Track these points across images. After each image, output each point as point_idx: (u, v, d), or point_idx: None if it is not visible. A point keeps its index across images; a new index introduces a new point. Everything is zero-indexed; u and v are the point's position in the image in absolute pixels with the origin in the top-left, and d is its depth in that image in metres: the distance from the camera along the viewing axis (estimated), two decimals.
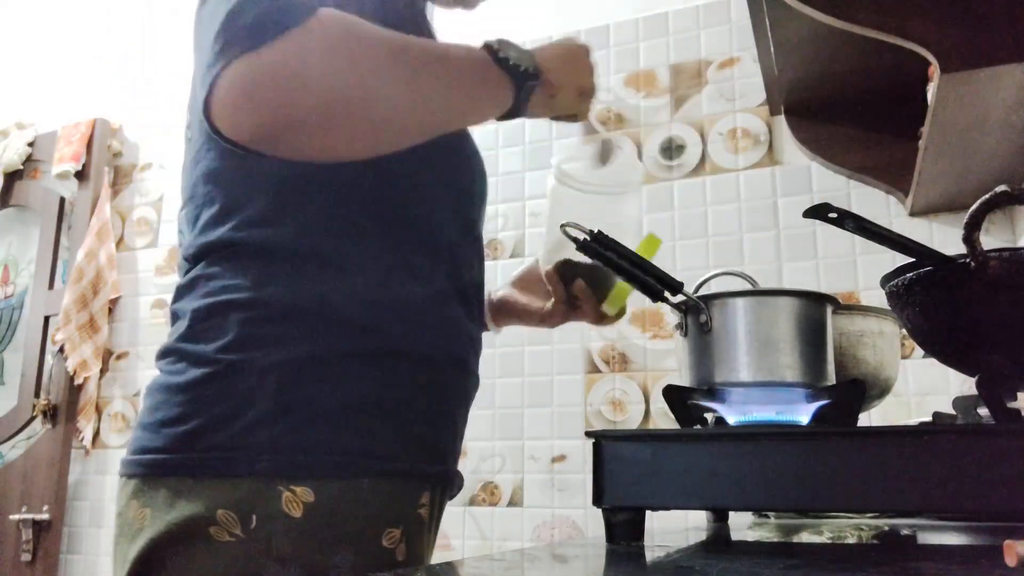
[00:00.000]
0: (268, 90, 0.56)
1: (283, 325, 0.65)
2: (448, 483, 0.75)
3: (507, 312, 0.99)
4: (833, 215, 0.64)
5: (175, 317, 0.71)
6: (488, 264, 2.23)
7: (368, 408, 0.65)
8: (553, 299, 0.89)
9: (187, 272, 0.71)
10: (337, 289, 0.67)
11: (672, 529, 0.83)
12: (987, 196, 0.60)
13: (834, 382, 0.70)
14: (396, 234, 0.71)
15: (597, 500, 0.61)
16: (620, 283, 0.86)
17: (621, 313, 0.90)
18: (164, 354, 0.69)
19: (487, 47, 0.69)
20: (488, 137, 2.12)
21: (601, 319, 0.90)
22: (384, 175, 0.70)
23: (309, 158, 0.64)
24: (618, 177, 0.90)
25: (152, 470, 0.64)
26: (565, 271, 0.89)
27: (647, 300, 0.72)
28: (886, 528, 0.84)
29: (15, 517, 2.36)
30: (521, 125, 2.13)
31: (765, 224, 1.85)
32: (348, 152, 0.64)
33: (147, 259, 2.51)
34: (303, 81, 0.57)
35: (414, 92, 0.62)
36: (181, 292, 0.71)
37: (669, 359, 1.86)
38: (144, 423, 0.67)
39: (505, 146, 2.11)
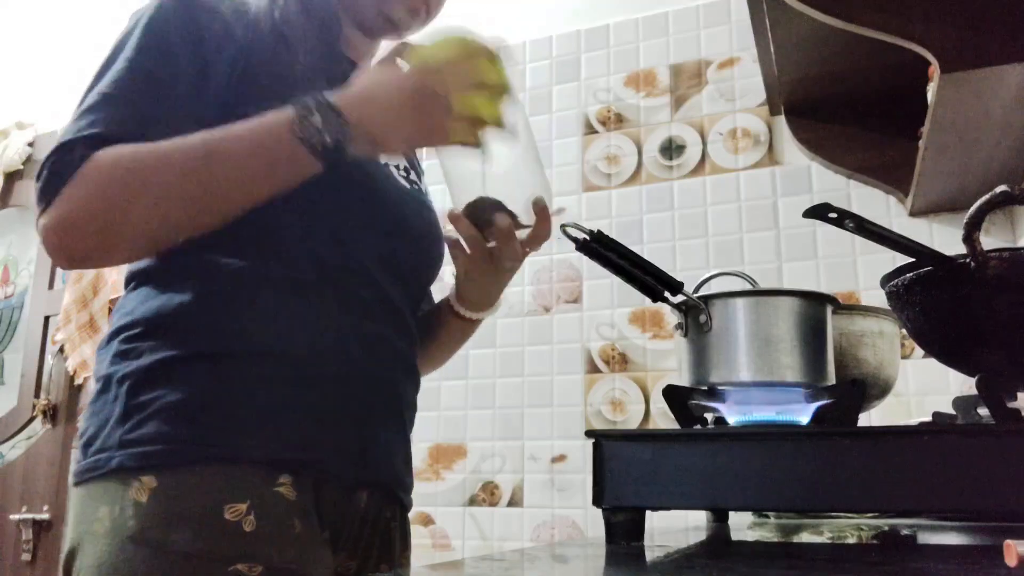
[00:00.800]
0: (62, 239, 0.70)
1: (144, 340, 0.74)
2: (342, 477, 0.77)
3: (460, 289, 0.95)
4: (833, 215, 0.64)
5: None
6: None
7: (207, 404, 0.72)
8: (468, 243, 0.86)
9: None
10: (191, 301, 0.75)
11: (672, 529, 0.83)
12: (987, 196, 0.60)
13: (834, 382, 0.70)
14: (256, 248, 0.77)
15: (597, 500, 0.61)
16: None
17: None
18: None
19: (292, 119, 0.71)
20: None
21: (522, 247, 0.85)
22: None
23: (122, 263, 0.77)
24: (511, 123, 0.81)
25: (74, 480, 0.75)
26: (473, 214, 0.83)
27: (647, 300, 0.72)
28: (886, 528, 0.84)
29: (15, 517, 2.36)
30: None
31: (765, 224, 1.85)
32: (153, 251, 0.77)
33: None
34: (84, 221, 0.70)
35: (193, 192, 0.71)
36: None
37: (669, 359, 1.86)
38: None
39: None
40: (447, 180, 0.85)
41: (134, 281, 0.80)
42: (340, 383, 0.78)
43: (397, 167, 0.91)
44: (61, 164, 0.70)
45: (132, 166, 0.70)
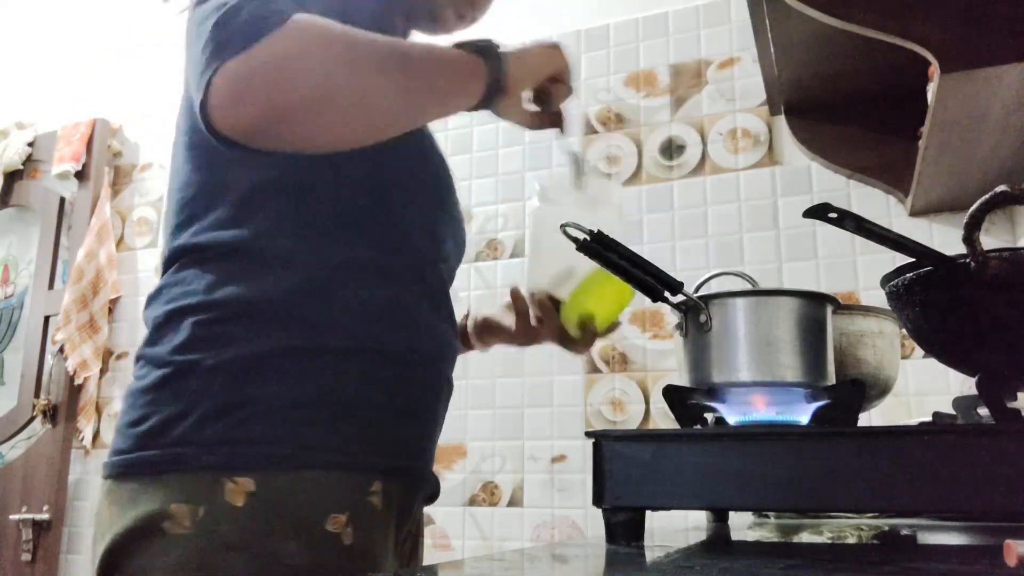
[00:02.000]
0: (257, 87, 0.61)
1: (233, 325, 0.68)
2: (411, 478, 0.76)
3: (490, 330, 0.99)
4: (833, 215, 0.64)
5: (146, 325, 0.74)
6: (488, 264, 2.22)
7: (313, 403, 0.67)
8: (524, 319, 0.90)
9: (162, 277, 0.75)
10: (289, 288, 0.69)
11: (672, 529, 0.83)
12: (987, 196, 0.60)
13: (834, 382, 0.70)
14: (356, 234, 0.74)
15: (597, 500, 0.61)
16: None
17: (591, 331, 0.88)
18: (135, 361, 0.73)
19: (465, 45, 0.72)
20: (488, 137, 2.13)
21: (565, 340, 0.91)
22: (344, 178, 0.73)
23: (301, 149, 0.67)
24: (595, 193, 0.91)
25: (119, 470, 0.67)
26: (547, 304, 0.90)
27: (647, 300, 0.72)
28: (886, 528, 0.84)
29: (15, 517, 2.36)
30: None
31: (765, 224, 1.85)
32: (337, 141, 0.67)
33: (147, 259, 2.51)
34: (286, 77, 0.61)
35: (390, 83, 0.66)
36: (149, 300, 0.75)
37: (669, 359, 1.86)
38: (117, 426, 0.71)
39: (505, 146, 2.11)
40: (536, 256, 0.90)
41: (189, 257, 0.72)
42: (423, 384, 0.77)
43: None
44: (264, 10, 0.62)
45: (339, 38, 0.64)
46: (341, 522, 0.66)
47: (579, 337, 0.88)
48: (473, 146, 2.14)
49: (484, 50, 0.73)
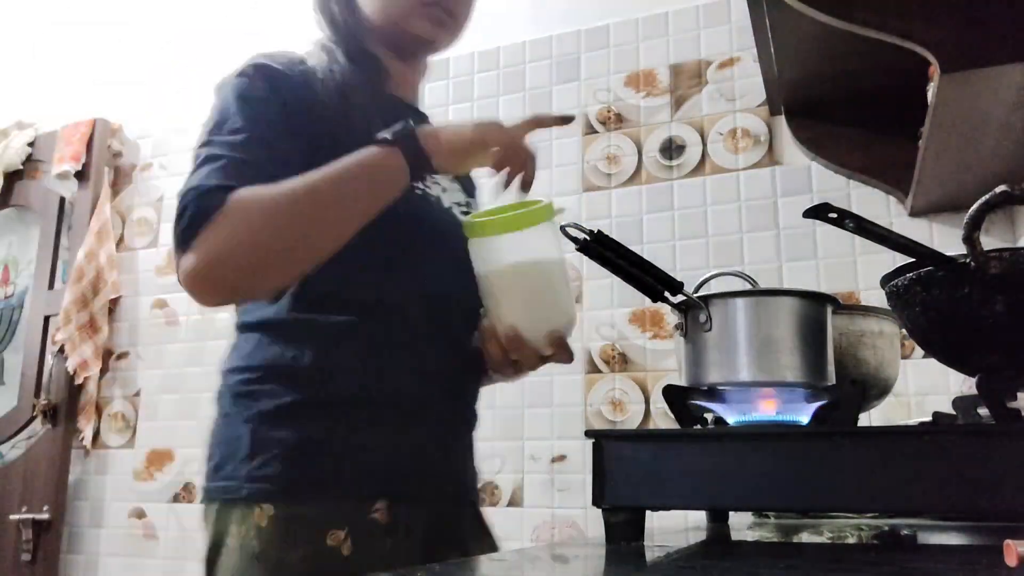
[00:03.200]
0: (208, 275, 0.80)
1: (261, 384, 0.87)
2: (403, 491, 0.87)
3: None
4: (833, 215, 0.64)
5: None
6: None
7: (317, 445, 0.85)
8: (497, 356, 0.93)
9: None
10: (305, 353, 0.87)
11: (672, 529, 0.83)
12: (987, 196, 0.60)
13: (834, 382, 0.70)
14: (361, 309, 0.89)
15: (597, 500, 0.61)
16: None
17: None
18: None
19: (386, 141, 0.84)
20: None
21: (546, 359, 0.92)
22: (343, 266, 0.86)
23: (262, 299, 0.89)
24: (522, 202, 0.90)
25: (204, 496, 0.89)
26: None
27: (647, 300, 0.72)
28: (886, 528, 0.84)
29: (15, 517, 2.36)
30: None
31: (765, 224, 1.85)
32: (292, 280, 0.86)
33: (147, 259, 2.52)
34: (226, 259, 0.79)
35: (313, 224, 0.82)
36: (225, 359, 0.95)
37: (669, 359, 1.86)
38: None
39: None
40: (490, 298, 0.90)
41: (247, 329, 0.92)
42: (427, 420, 0.91)
43: (458, 203, 1.01)
44: (203, 201, 0.79)
45: (266, 207, 0.80)
46: (340, 537, 0.82)
47: (552, 350, 0.89)
48: None
49: (399, 136, 0.84)
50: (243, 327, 0.94)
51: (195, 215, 0.79)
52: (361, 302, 0.90)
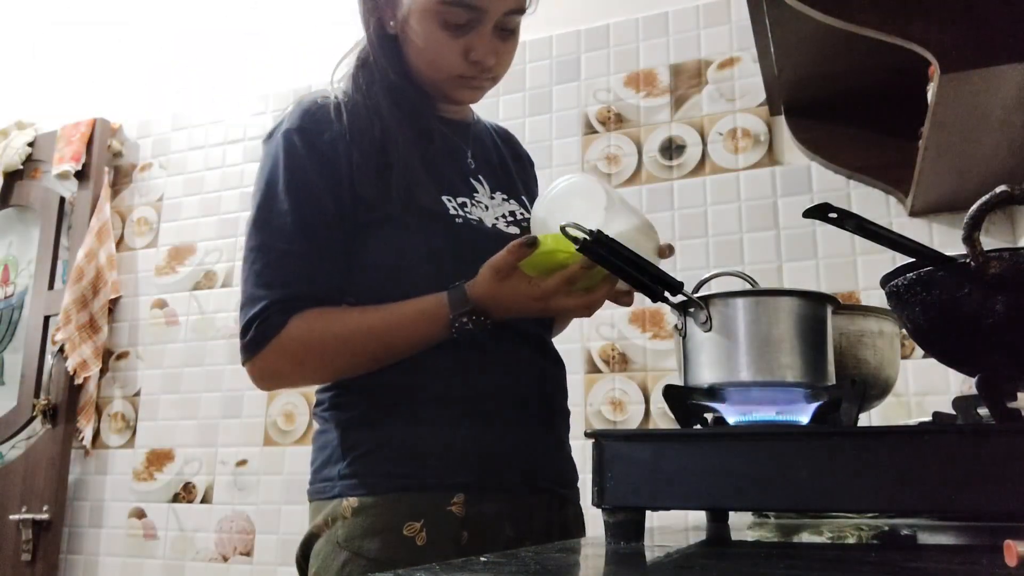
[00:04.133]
0: (265, 383, 0.98)
1: (348, 396, 0.97)
2: (483, 485, 0.93)
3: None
4: (833, 215, 0.64)
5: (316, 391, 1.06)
6: None
7: (396, 445, 0.93)
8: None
9: None
10: (378, 370, 0.95)
11: (672, 529, 0.83)
12: (987, 196, 0.60)
13: (834, 382, 0.70)
14: None
15: (597, 500, 0.61)
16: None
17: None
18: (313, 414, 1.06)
19: (449, 318, 0.91)
20: None
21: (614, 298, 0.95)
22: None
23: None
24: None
25: (309, 496, 0.99)
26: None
27: (647, 300, 0.72)
28: (886, 528, 0.84)
29: (15, 517, 2.36)
30: (521, 125, 2.13)
31: (765, 224, 1.85)
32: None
33: (147, 259, 2.52)
34: (283, 376, 0.96)
35: (364, 362, 0.94)
36: None
37: (669, 359, 1.86)
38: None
39: None
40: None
41: None
42: (502, 415, 0.97)
43: (505, 216, 1.06)
44: (264, 327, 0.92)
45: (319, 346, 0.92)
46: (415, 528, 0.89)
47: (598, 289, 0.91)
48: None
49: (453, 301, 0.91)
50: None
51: (256, 340, 0.92)
52: None
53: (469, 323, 0.90)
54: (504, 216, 1.05)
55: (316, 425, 1.02)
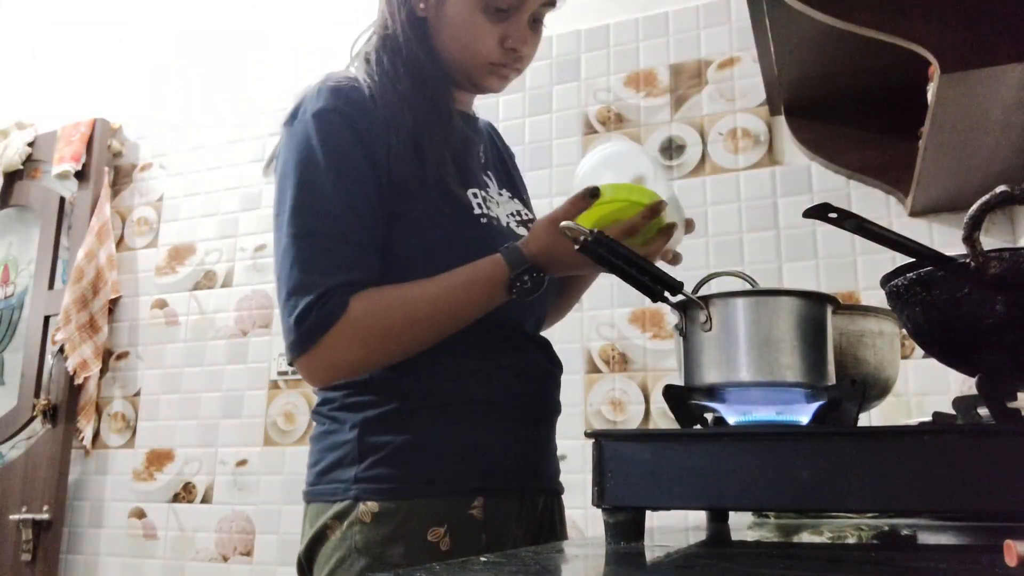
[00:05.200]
0: (326, 376, 0.91)
1: (365, 396, 0.93)
2: (499, 488, 0.93)
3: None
4: (833, 215, 0.64)
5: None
6: None
7: (419, 448, 0.91)
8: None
9: None
10: (400, 367, 0.92)
11: (672, 529, 0.83)
12: (987, 196, 0.60)
13: (834, 382, 0.70)
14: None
15: (597, 500, 0.61)
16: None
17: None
18: (312, 415, 1.02)
19: (508, 278, 0.89)
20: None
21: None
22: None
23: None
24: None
25: (308, 498, 0.95)
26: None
27: (647, 300, 0.72)
28: (886, 528, 0.84)
29: (15, 517, 2.36)
30: (521, 125, 2.13)
31: (765, 224, 1.85)
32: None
33: (147, 259, 2.52)
34: (345, 368, 0.90)
35: (427, 336, 0.91)
36: None
37: (669, 359, 1.86)
38: (307, 464, 0.98)
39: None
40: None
41: None
42: (514, 418, 0.97)
43: (513, 215, 1.06)
44: (324, 313, 0.86)
45: (385, 324, 0.88)
46: (440, 533, 0.87)
47: (656, 239, 0.94)
48: None
49: (510, 258, 0.89)
50: None
51: (314, 328, 0.86)
52: None
53: (528, 281, 0.88)
54: (512, 215, 1.05)
55: (318, 424, 0.98)
